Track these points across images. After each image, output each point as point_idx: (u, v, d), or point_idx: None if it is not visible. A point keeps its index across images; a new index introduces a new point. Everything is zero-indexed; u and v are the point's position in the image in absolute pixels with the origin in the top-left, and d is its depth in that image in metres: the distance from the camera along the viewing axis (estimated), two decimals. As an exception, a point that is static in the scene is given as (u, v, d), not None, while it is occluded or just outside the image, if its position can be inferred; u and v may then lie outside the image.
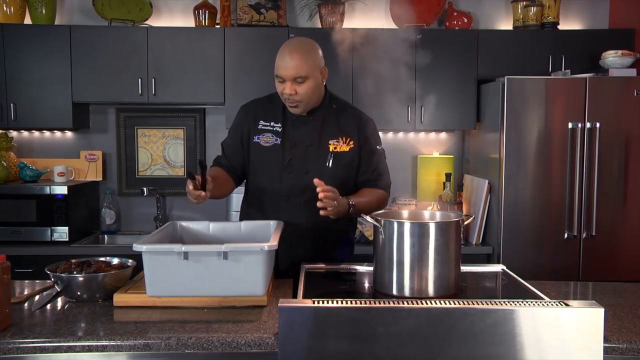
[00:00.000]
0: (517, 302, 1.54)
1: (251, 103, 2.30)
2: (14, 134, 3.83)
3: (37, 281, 2.11)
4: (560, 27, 3.80)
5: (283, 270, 2.13)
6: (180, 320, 1.66)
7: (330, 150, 2.16)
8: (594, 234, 3.25)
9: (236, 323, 1.64)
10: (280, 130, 2.18)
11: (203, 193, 1.88)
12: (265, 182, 2.19)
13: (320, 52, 2.15)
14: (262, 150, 2.19)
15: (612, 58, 3.42)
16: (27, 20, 3.70)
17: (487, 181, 3.45)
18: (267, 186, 2.19)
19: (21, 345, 1.52)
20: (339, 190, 2.02)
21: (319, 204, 1.89)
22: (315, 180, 1.91)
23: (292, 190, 2.14)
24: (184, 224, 2.12)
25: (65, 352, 1.52)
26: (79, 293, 1.82)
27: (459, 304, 1.51)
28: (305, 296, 1.68)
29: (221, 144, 2.33)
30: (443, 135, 4.00)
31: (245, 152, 2.24)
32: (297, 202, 2.13)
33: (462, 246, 1.81)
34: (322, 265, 2.07)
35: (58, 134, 3.89)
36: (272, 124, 2.20)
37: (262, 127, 2.20)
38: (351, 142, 2.19)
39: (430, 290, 1.70)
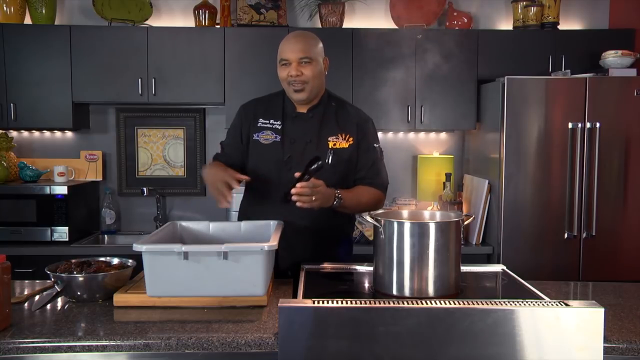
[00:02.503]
0: (517, 302, 1.54)
1: (250, 102, 2.32)
2: (14, 134, 3.83)
3: (37, 281, 2.11)
4: (560, 27, 3.80)
5: (283, 270, 2.12)
6: (180, 320, 1.66)
7: (330, 146, 2.16)
8: (594, 234, 3.24)
9: (236, 323, 1.64)
10: (280, 127, 2.19)
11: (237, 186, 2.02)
12: (265, 179, 2.20)
13: (321, 44, 2.21)
14: (261, 147, 2.19)
15: (612, 58, 3.42)
16: (27, 20, 3.70)
17: (487, 181, 3.45)
18: (267, 184, 2.19)
19: (21, 345, 1.52)
20: (337, 187, 2.03)
21: (294, 198, 1.90)
22: (297, 174, 1.92)
23: (291, 187, 2.14)
24: (184, 224, 2.12)
25: (65, 352, 1.52)
26: (79, 293, 1.82)
27: (459, 304, 1.51)
28: (305, 296, 1.68)
29: (220, 143, 2.34)
30: (443, 135, 4.00)
31: (244, 150, 2.25)
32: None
33: (462, 246, 1.81)
34: (322, 265, 2.07)
35: (58, 134, 3.90)
36: (271, 121, 2.21)
37: (262, 125, 2.21)
38: (350, 139, 2.19)
39: (430, 290, 1.70)
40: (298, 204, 1.91)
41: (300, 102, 2.19)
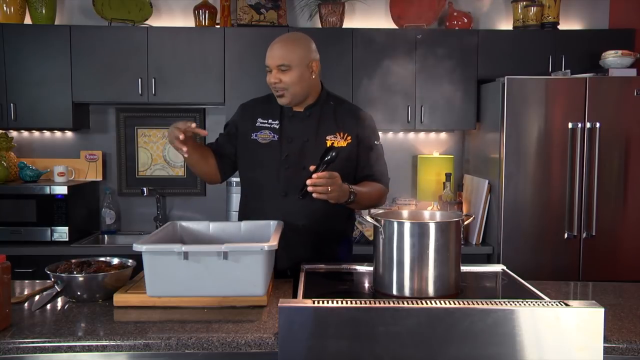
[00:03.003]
0: (517, 302, 1.54)
1: (250, 102, 2.33)
2: (14, 134, 3.83)
3: (37, 281, 2.11)
4: (560, 27, 3.80)
5: (281, 269, 2.12)
6: (180, 320, 1.66)
7: (328, 145, 2.16)
8: (594, 234, 3.25)
9: (236, 323, 1.64)
10: (277, 127, 2.20)
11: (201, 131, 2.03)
12: (263, 179, 2.20)
13: (311, 45, 2.18)
14: (259, 147, 2.20)
15: (612, 58, 3.42)
16: (27, 20, 3.70)
17: (487, 181, 3.45)
18: (265, 183, 2.20)
19: (21, 345, 1.52)
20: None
21: (310, 189, 1.87)
22: (312, 167, 1.90)
23: (289, 186, 2.15)
24: (184, 224, 2.12)
25: (65, 352, 1.52)
26: (79, 293, 1.82)
27: (459, 304, 1.51)
28: (305, 296, 1.68)
29: (219, 134, 2.36)
30: (443, 135, 4.00)
31: (239, 148, 2.26)
32: (295, 198, 2.12)
33: (462, 246, 1.81)
34: (322, 265, 2.07)
35: (58, 134, 3.90)
36: (269, 121, 2.21)
37: (260, 125, 2.22)
38: (349, 138, 2.19)
39: (430, 290, 1.70)
40: (314, 195, 1.87)
41: (285, 106, 2.20)
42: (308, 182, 1.86)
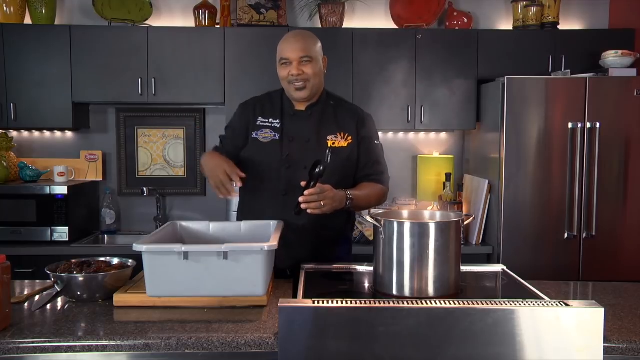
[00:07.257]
0: (517, 302, 1.54)
1: (250, 100, 2.33)
2: (14, 134, 3.83)
3: (37, 281, 2.11)
4: (560, 27, 3.80)
5: (281, 269, 2.12)
6: (180, 320, 1.66)
7: (329, 145, 2.16)
8: (594, 234, 3.24)
9: (236, 323, 1.64)
10: (279, 126, 2.20)
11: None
12: (264, 178, 2.20)
13: (320, 43, 2.23)
14: (260, 146, 2.20)
15: (612, 58, 3.42)
16: (27, 20, 3.70)
17: (487, 181, 3.45)
18: (265, 182, 2.20)
19: (21, 345, 1.52)
20: (339, 187, 2.03)
21: (303, 206, 1.90)
22: (303, 183, 1.92)
23: (290, 186, 2.15)
24: (184, 224, 2.12)
25: (65, 352, 1.52)
26: (79, 293, 1.82)
27: (459, 304, 1.51)
28: (305, 296, 1.69)
29: (220, 137, 2.34)
30: (443, 135, 4.00)
31: (242, 148, 2.25)
32: (295, 198, 2.11)
33: (462, 246, 1.81)
34: (322, 265, 2.07)
35: (58, 134, 3.90)
36: (270, 120, 2.22)
37: (261, 124, 2.22)
38: (349, 138, 2.20)
39: (430, 290, 1.70)
40: (309, 211, 1.91)
41: (301, 101, 2.20)
42: (300, 199, 1.89)
